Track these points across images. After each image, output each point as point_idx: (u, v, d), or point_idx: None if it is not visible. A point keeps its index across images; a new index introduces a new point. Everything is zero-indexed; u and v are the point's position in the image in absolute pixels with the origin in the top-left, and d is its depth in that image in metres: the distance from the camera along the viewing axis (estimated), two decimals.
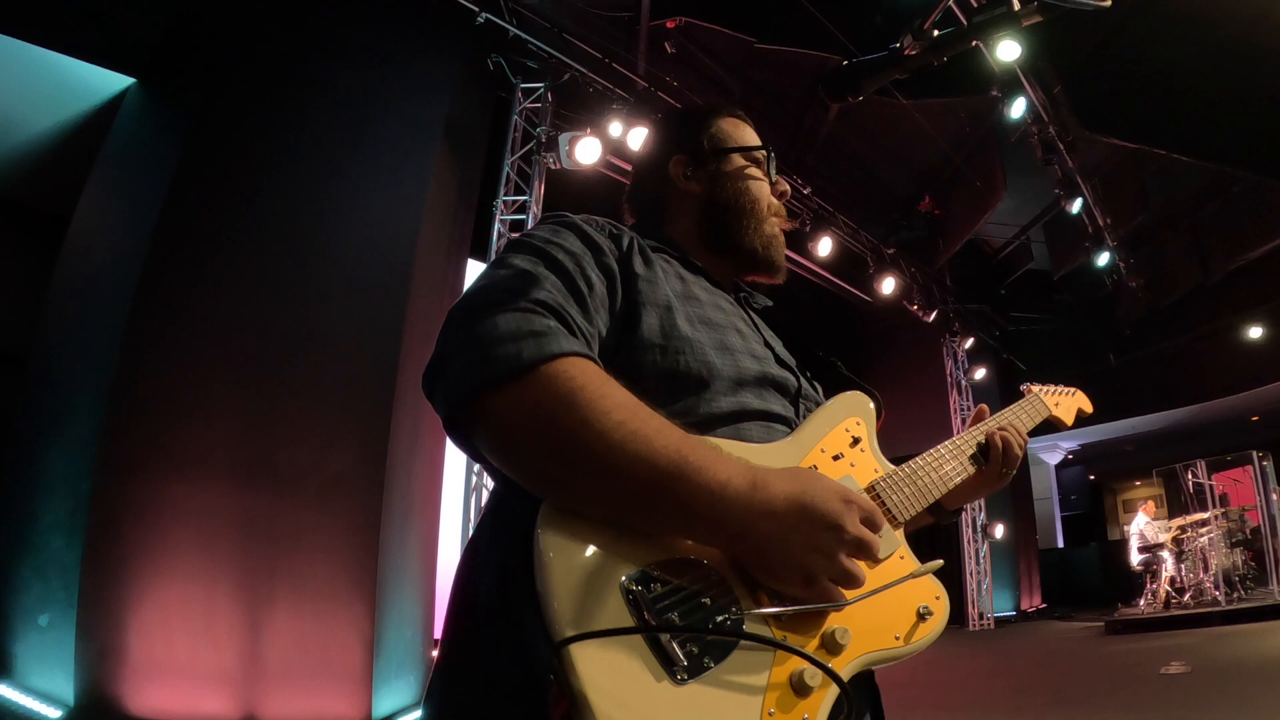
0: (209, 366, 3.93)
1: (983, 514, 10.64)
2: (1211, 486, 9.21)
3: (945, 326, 10.66)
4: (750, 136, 1.24)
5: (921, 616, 0.85)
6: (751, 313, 1.17)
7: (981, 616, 10.20)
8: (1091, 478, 16.89)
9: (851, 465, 0.95)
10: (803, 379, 1.09)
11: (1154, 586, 9.00)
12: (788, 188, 1.25)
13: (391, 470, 4.20)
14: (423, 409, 4.42)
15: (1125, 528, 11.06)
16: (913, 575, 0.86)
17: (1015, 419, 1.24)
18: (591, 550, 0.70)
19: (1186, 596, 8.63)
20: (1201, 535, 8.74)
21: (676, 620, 0.69)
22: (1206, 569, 8.60)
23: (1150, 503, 10.39)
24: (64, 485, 3.75)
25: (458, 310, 0.82)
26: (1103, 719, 4.31)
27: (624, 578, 0.69)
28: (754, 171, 1.19)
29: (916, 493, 0.99)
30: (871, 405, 1.04)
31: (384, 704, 4.01)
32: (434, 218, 4.80)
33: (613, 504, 0.72)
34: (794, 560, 0.73)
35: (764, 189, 1.20)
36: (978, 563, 10.34)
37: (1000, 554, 11.31)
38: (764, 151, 1.21)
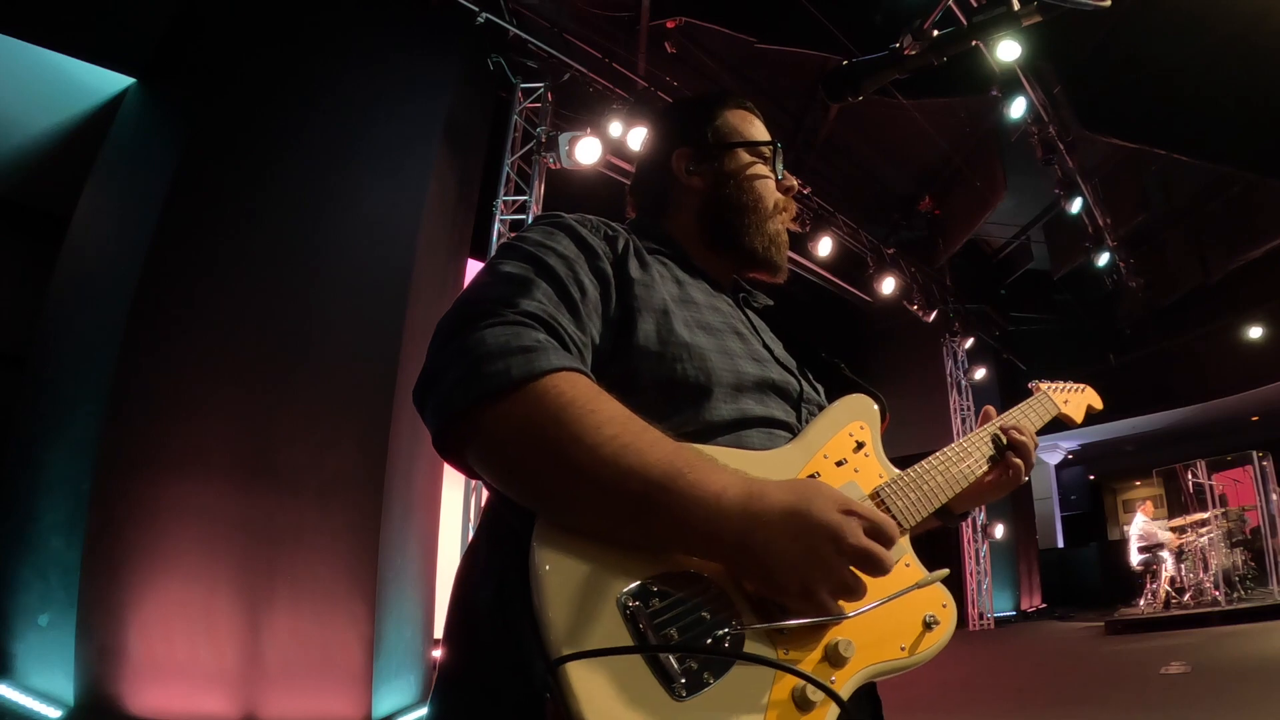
0: (209, 366, 3.92)
1: (983, 514, 10.61)
2: (1211, 486, 9.21)
3: (945, 326, 10.64)
4: (758, 130, 1.19)
5: (928, 625, 0.82)
6: (750, 314, 1.15)
7: (981, 616, 10.20)
8: (1091, 478, 16.88)
9: (855, 471, 0.92)
10: (804, 382, 1.07)
11: (1154, 586, 9.00)
12: (795, 183, 1.20)
13: (391, 470, 4.20)
14: None
15: (1125, 528, 11.05)
16: (918, 585, 0.83)
17: (1023, 417, 1.20)
18: (588, 565, 0.69)
19: (1186, 596, 8.63)
20: (1201, 535, 8.74)
21: (675, 636, 0.67)
22: (1206, 569, 8.59)
23: (1149, 503, 10.38)
24: (64, 485, 3.74)
25: (447, 321, 0.80)
26: (1102, 719, 4.31)
27: (621, 593, 0.68)
28: (759, 168, 1.16)
29: (922, 497, 0.95)
30: (876, 408, 1.01)
31: (384, 704, 4.01)
32: (434, 218, 4.79)
33: (607, 518, 0.71)
34: (791, 572, 0.72)
35: (769, 186, 1.16)
36: (978, 563, 10.34)
37: (1000, 554, 11.31)
38: (771, 147, 1.17)
